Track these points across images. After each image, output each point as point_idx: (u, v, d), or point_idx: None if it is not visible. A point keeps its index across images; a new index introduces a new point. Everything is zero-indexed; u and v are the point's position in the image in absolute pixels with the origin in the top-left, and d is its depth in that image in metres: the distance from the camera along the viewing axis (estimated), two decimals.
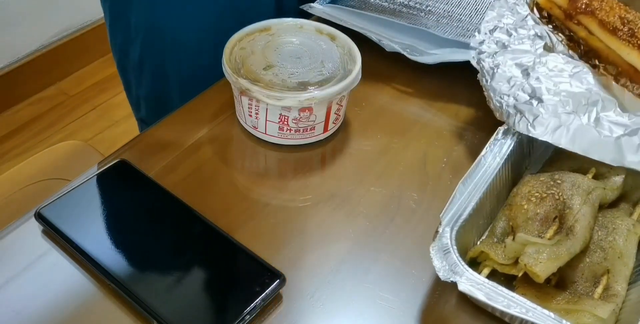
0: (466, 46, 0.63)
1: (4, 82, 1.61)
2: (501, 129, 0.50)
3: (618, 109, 0.48)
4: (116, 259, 0.43)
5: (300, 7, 0.67)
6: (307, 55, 0.54)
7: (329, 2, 0.68)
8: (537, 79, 0.50)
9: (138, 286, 0.41)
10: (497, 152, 0.48)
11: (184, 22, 0.68)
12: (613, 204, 0.49)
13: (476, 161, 0.47)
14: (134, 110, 0.84)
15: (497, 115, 0.51)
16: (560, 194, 0.44)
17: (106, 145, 1.52)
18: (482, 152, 0.47)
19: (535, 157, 0.54)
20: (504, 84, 0.51)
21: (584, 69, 0.51)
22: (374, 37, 0.63)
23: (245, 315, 0.40)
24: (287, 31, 0.56)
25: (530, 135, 0.48)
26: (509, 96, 0.50)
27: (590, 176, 0.48)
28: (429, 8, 0.68)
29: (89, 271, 0.43)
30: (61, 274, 0.43)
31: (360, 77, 0.53)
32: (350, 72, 0.52)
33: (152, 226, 0.46)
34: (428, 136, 0.57)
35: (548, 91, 0.49)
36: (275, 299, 0.43)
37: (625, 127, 0.47)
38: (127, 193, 0.49)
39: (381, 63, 0.63)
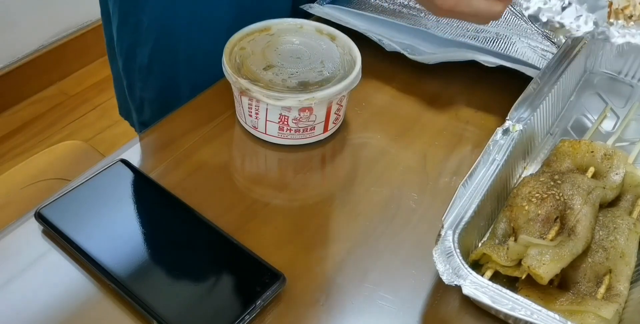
0: (466, 46, 0.63)
1: (4, 82, 1.61)
2: (500, 129, 0.50)
3: None
4: (116, 259, 0.43)
5: (300, 7, 0.67)
6: (307, 55, 0.54)
7: (329, 2, 0.68)
8: None
9: (138, 286, 0.41)
10: (496, 152, 0.48)
11: (198, 23, 0.68)
12: (612, 203, 0.49)
13: (476, 162, 0.47)
14: (134, 113, 0.82)
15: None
16: (560, 194, 0.44)
17: (106, 145, 1.52)
18: (482, 153, 0.47)
19: (533, 157, 0.54)
20: None
21: None
22: (374, 37, 0.63)
23: (245, 315, 0.40)
24: (287, 31, 0.56)
25: None
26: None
27: (589, 175, 0.48)
28: None
29: (89, 271, 0.43)
30: (61, 274, 0.43)
31: (360, 77, 0.53)
32: (350, 72, 0.52)
33: (152, 226, 0.46)
34: (428, 136, 0.57)
35: None
36: (275, 299, 0.43)
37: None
38: (127, 193, 0.49)
39: (381, 63, 0.63)
